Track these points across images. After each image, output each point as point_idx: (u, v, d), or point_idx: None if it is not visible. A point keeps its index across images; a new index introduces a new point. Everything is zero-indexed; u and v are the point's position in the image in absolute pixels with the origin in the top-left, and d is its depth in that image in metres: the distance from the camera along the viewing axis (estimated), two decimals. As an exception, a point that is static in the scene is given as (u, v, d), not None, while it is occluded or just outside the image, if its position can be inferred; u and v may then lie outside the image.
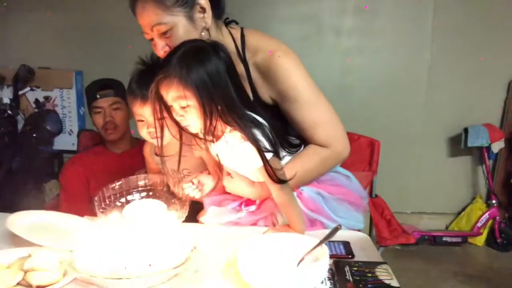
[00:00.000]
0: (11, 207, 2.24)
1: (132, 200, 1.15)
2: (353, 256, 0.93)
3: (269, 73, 1.06)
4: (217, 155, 1.02)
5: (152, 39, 1.07)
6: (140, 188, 1.18)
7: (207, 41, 0.98)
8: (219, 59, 0.93)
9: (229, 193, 1.11)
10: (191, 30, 1.04)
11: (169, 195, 1.17)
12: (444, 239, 2.65)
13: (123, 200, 1.15)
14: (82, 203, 1.59)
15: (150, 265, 0.82)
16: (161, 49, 1.05)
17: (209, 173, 1.17)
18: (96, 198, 1.12)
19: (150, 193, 1.17)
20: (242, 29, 1.14)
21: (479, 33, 2.68)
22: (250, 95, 1.09)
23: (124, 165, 1.59)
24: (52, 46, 2.84)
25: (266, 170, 0.93)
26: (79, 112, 2.81)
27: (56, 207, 1.79)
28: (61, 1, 2.80)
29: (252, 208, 1.08)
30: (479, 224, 2.64)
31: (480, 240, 2.67)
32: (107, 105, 1.61)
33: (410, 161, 2.77)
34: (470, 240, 2.68)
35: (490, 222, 2.64)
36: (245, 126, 0.92)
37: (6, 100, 2.58)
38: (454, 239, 2.65)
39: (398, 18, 2.75)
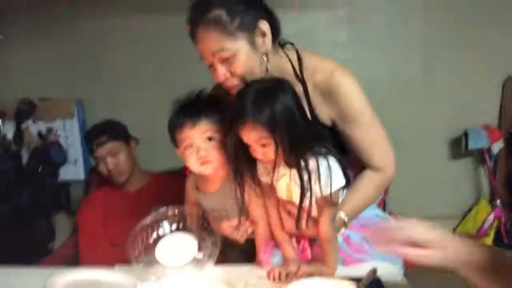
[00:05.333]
0: (23, 244, 2.26)
1: (164, 234, 1.16)
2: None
3: (330, 92, 1.08)
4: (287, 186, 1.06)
5: (211, 65, 1.07)
6: (170, 219, 1.19)
7: (271, 79, 1.03)
8: (287, 97, 0.99)
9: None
10: (252, 55, 1.05)
11: (200, 230, 1.18)
12: (452, 242, 2.69)
13: (154, 235, 1.16)
14: (102, 246, 1.60)
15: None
16: (223, 75, 1.06)
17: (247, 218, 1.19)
18: (129, 241, 1.13)
19: (181, 225, 1.18)
20: (297, 50, 1.16)
21: (472, 34, 2.73)
22: (308, 114, 1.11)
23: (139, 204, 1.60)
24: (51, 76, 2.84)
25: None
26: (82, 141, 2.80)
27: (73, 247, 1.81)
28: (58, 30, 2.81)
29: (308, 253, 1.12)
30: (485, 226, 2.69)
31: (488, 242, 2.71)
32: (106, 153, 1.63)
33: (412, 167, 2.80)
34: (477, 241, 2.72)
35: (495, 223, 2.69)
36: (320, 154, 1.01)
37: (9, 136, 2.57)
38: (462, 242, 2.69)
39: (391, 25, 2.79)
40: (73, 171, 2.75)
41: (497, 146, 2.70)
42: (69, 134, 2.78)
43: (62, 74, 2.84)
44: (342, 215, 1.09)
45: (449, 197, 2.87)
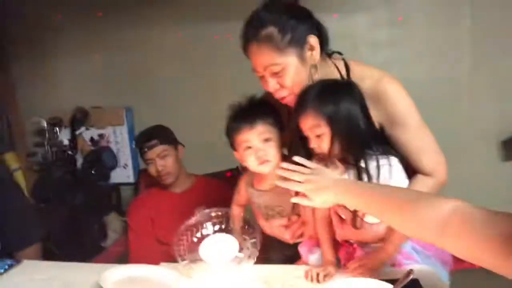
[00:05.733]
0: (77, 243, 2.42)
1: (207, 234, 1.21)
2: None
3: (378, 98, 1.11)
4: None
5: (262, 76, 1.14)
6: (213, 220, 1.25)
7: (340, 80, 1.10)
8: (353, 97, 1.03)
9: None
10: (301, 68, 1.11)
11: (242, 231, 1.23)
12: (505, 248, 2.57)
13: (198, 235, 1.21)
14: (150, 243, 1.69)
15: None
16: (272, 87, 1.12)
17: (299, 215, 1.21)
18: (174, 239, 1.19)
19: (223, 227, 1.24)
20: (343, 59, 1.20)
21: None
22: None
23: (185, 204, 1.67)
24: (102, 85, 3.01)
25: None
26: (131, 146, 2.95)
27: (123, 245, 1.92)
28: (107, 43, 2.97)
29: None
30: (541, 230, 2.54)
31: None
32: (155, 155, 1.72)
33: (463, 170, 2.68)
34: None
35: (553, 228, 2.54)
36: (380, 153, 1.04)
37: (66, 141, 2.76)
38: (516, 248, 2.56)
39: (434, 26, 2.71)
40: (123, 174, 2.91)
41: (553, 147, 2.55)
42: (119, 140, 2.94)
43: (112, 84, 3.00)
44: None
45: (502, 200, 2.71)
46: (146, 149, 1.72)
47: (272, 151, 1.15)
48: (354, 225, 1.06)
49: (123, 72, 2.98)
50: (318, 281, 1.06)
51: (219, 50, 2.82)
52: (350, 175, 1.05)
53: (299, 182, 0.97)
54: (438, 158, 1.15)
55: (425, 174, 1.13)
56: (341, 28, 2.77)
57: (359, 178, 1.03)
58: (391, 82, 1.13)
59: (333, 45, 1.21)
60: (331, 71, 1.16)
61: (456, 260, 1.54)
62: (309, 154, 1.08)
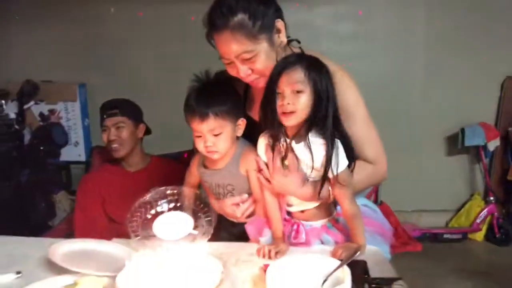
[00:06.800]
0: (22, 221, 2.31)
1: (162, 212, 1.18)
2: (369, 276, 0.98)
3: None
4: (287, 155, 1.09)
5: (230, 63, 1.13)
6: (169, 198, 1.21)
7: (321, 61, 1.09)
8: (330, 76, 1.06)
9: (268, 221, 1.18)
10: (271, 52, 1.13)
11: (197, 209, 1.21)
12: (445, 236, 2.74)
13: (153, 212, 1.18)
14: (98, 221, 1.65)
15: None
16: (244, 72, 1.12)
17: (250, 194, 1.22)
18: (128, 216, 1.16)
19: (178, 204, 1.20)
20: (300, 48, 1.22)
21: (472, 34, 2.76)
22: None
23: (138, 184, 1.63)
24: (55, 59, 2.87)
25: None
26: (83, 124, 2.85)
27: (71, 224, 1.85)
28: (63, 14, 2.83)
29: (302, 239, 1.14)
30: (478, 220, 2.73)
31: (480, 236, 2.76)
32: (111, 124, 1.70)
33: (409, 161, 2.84)
34: (470, 236, 2.77)
35: (488, 218, 2.74)
36: (341, 133, 1.07)
37: (12, 115, 2.60)
38: (454, 236, 2.75)
39: (392, 21, 2.82)
40: (74, 152, 2.81)
41: (493, 144, 2.73)
42: (71, 117, 2.83)
43: (66, 58, 2.87)
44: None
45: (444, 191, 2.91)
46: (105, 116, 1.69)
47: (221, 143, 1.15)
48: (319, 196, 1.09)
49: (78, 46, 2.87)
50: (270, 257, 1.08)
51: (180, 30, 2.78)
52: (301, 147, 1.07)
53: None
54: (381, 152, 1.22)
55: (367, 161, 1.19)
56: (303, 19, 2.81)
57: (330, 151, 1.04)
58: (345, 76, 1.16)
59: (296, 35, 1.23)
60: None
61: (400, 244, 1.64)
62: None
